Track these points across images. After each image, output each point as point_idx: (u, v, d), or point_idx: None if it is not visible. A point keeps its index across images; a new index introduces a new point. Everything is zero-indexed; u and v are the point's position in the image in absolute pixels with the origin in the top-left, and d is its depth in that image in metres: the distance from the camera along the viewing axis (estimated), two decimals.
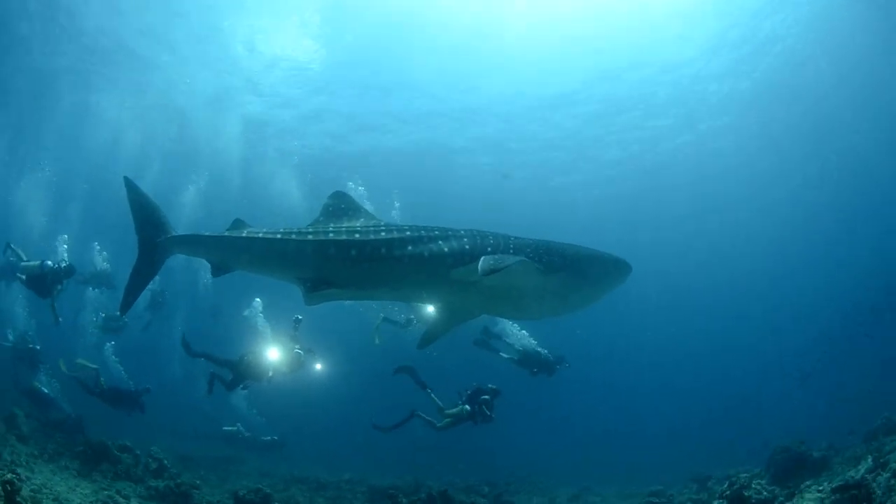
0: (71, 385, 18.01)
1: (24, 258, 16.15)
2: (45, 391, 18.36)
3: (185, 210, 32.62)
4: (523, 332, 17.45)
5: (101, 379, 17.07)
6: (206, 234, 9.77)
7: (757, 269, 52.44)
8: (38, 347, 19.23)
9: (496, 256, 8.62)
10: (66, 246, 24.88)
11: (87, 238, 28.48)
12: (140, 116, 31.56)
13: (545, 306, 9.61)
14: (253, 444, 23.29)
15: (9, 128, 32.04)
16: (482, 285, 8.79)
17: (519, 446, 32.65)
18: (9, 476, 8.80)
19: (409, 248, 8.95)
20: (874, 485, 8.81)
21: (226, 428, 23.82)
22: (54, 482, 11.14)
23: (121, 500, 11.54)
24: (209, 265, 9.98)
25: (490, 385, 14.69)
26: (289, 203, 34.08)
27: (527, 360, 16.28)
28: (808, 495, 9.50)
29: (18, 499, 8.50)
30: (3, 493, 8.42)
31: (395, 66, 29.03)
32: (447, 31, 26.66)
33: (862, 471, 9.97)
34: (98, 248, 25.91)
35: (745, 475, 12.12)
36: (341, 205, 9.75)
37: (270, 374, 13.96)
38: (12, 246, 17.16)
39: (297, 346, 13.65)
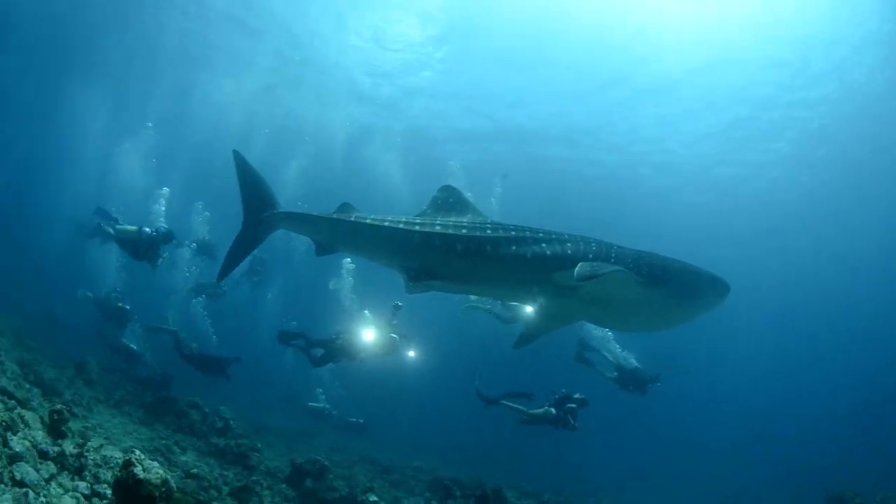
0: (160, 344, 18.42)
1: (119, 221, 16.48)
2: (134, 348, 18.88)
3: (288, 186, 33.19)
4: (617, 347, 17.50)
5: (193, 344, 17.43)
6: (314, 213, 9.96)
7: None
8: (128, 307, 19.72)
9: (595, 264, 8.60)
10: (164, 200, 25.53)
11: (188, 201, 29.50)
12: (247, 92, 32.46)
13: (641, 320, 9.57)
14: (338, 423, 23.40)
15: (109, 98, 33.78)
16: (581, 291, 8.82)
17: (604, 458, 31.86)
18: (59, 406, 8.83)
19: (514, 247, 9.06)
20: None
21: (312, 404, 24.01)
22: (112, 424, 11.28)
23: (176, 449, 11.58)
24: (313, 243, 10.13)
25: (578, 394, 14.57)
26: (391, 183, 34.20)
27: (623, 377, 16.29)
28: None
29: (64, 428, 8.47)
30: (48, 421, 8.45)
31: (509, 47, 28.16)
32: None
33: None
34: (201, 207, 26.70)
35: None
36: (449, 199, 9.92)
37: (363, 355, 14.13)
38: (105, 209, 17.73)
39: (393, 332, 13.73)
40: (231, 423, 14.33)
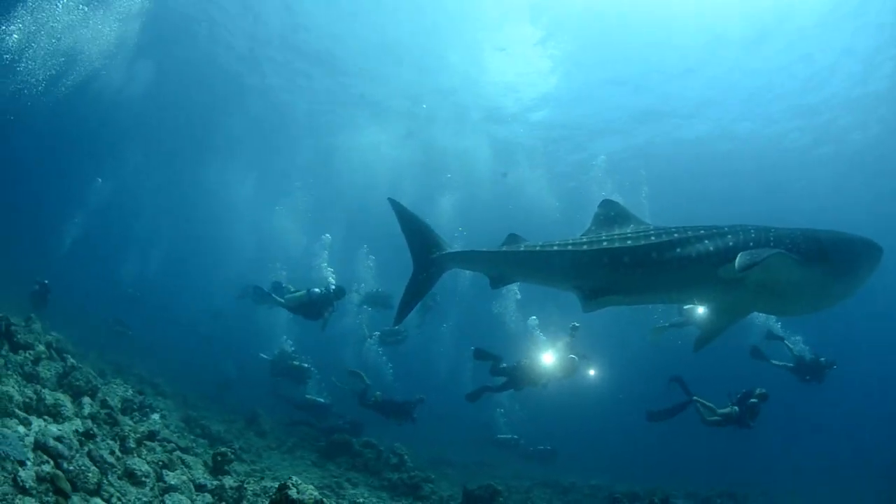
0: (345, 395, 19.14)
1: (291, 289, 17.22)
2: (321, 401, 19.59)
3: (442, 220, 34.01)
4: (797, 338, 17.38)
5: (377, 392, 17.76)
6: (484, 249, 10.30)
7: None
8: (306, 365, 20.48)
9: (753, 251, 8.53)
10: (327, 250, 26.77)
11: (350, 247, 30.92)
12: (386, 145, 33.91)
13: (808, 301, 9.36)
14: (526, 453, 23.22)
15: (253, 169, 36.28)
16: (747, 282, 8.73)
17: (774, 456, 30.07)
18: (223, 449, 9.42)
19: (678, 250, 9.14)
20: None
21: (500, 436, 24.04)
22: (281, 467, 11.80)
23: (347, 485, 11.93)
24: (487, 278, 10.52)
25: (759, 389, 14.43)
26: (540, 198, 34.42)
27: (800, 367, 15.94)
28: None
29: (227, 468, 9.00)
30: (211, 464, 9.03)
31: (625, 63, 28.08)
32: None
33: None
34: (365, 250, 27.72)
35: None
36: (611, 212, 10.14)
37: (545, 380, 14.23)
38: (259, 287, 18.85)
39: (572, 353, 13.82)
40: (405, 458, 14.57)
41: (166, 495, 6.70)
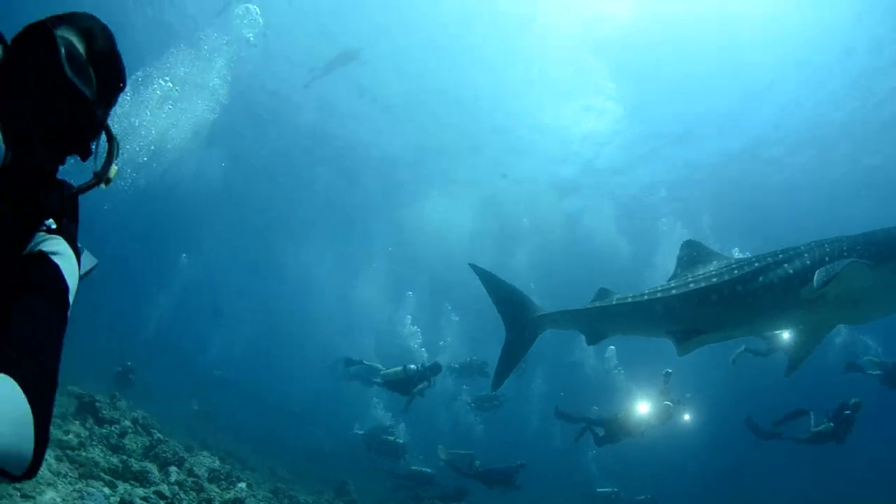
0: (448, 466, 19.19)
1: (381, 367, 17.52)
2: (427, 471, 19.67)
3: (519, 278, 34.22)
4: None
5: (476, 462, 17.86)
6: (578, 308, 10.56)
7: None
8: (401, 441, 20.60)
9: (828, 266, 8.77)
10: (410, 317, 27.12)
11: (433, 310, 31.26)
12: (460, 209, 34.85)
13: (885, 301, 9.51)
14: None
15: (337, 240, 37.32)
16: (828, 297, 8.89)
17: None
18: None
19: (760, 279, 9.37)
20: None
21: (599, 489, 23.62)
22: None
23: None
24: (583, 335, 10.76)
25: (853, 399, 14.47)
26: (613, 246, 34.78)
27: (890, 373, 15.99)
28: None
29: None
30: None
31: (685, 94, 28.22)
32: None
33: None
34: (449, 308, 27.87)
35: None
36: (693, 253, 10.51)
37: (642, 428, 14.46)
38: (365, 361, 19.19)
39: (666, 399, 14.08)
40: None
41: None
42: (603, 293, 10.46)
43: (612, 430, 14.81)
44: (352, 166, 33.59)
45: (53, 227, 1.74)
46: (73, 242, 1.75)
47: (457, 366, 23.46)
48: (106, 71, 1.72)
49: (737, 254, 20.19)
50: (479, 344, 29.42)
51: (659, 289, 9.98)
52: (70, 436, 8.24)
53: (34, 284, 1.52)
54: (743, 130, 30.13)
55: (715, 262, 10.08)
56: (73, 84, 1.58)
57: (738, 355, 15.54)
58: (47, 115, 1.57)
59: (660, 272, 27.48)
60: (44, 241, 1.66)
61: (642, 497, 22.37)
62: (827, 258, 8.99)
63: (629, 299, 10.05)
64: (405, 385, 15.75)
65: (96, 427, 9.75)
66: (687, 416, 14.90)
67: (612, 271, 28.33)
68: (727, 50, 25.59)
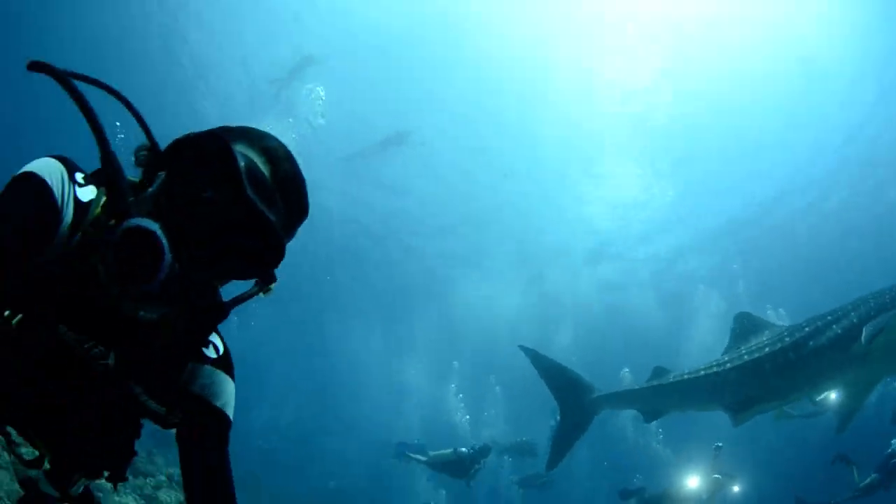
0: None
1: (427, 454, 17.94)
2: None
3: (561, 354, 34.54)
4: None
5: None
6: (635, 388, 11.27)
7: None
8: None
9: (874, 321, 9.05)
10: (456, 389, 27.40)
11: (477, 385, 31.61)
12: (503, 292, 35.92)
13: None
14: None
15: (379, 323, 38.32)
16: (876, 351, 9.17)
17: None
18: None
19: (811, 343, 9.67)
20: None
21: None
22: None
23: None
24: (640, 413, 11.42)
25: None
26: (651, 319, 35.07)
27: None
28: None
29: None
30: None
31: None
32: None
33: None
34: (493, 381, 27.90)
35: None
36: (745, 323, 10.88)
37: (693, 502, 14.52)
38: (404, 442, 19.67)
39: (716, 472, 14.19)
40: None
41: None
42: (659, 371, 10.85)
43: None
44: (399, 256, 34.90)
45: (220, 348, 1.87)
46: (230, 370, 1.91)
47: (506, 445, 23.70)
48: (290, 196, 1.61)
49: (781, 316, 20.38)
50: (524, 419, 30.51)
51: (714, 363, 10.35)
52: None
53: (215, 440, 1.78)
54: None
55: (767, 332, 10.38)
56: (256, 206, 1.48)
57: (781, 413, 15.69)
58: (224, 238, 1.50)
59: (695, 342, 29.04)
60: (216, 382, 1.85)
61: None
62: (873, 312, 9.24)
63: (685, 376, 10.49)
64: (457, 467, 16.27)
65: (130, 478, 10.31)
66: (737, 489, 14.87)
67: (650, 343, 29.08)
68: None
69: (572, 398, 11.00)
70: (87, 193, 1.52)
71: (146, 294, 1.39)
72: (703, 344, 29.62)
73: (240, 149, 1.53)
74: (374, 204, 32.89)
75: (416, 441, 21.61)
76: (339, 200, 31.68)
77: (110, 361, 1.54)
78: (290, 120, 23.24)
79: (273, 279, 1.64)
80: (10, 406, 1.55)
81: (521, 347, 11.48)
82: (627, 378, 23.84)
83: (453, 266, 35.00)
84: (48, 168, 1.50)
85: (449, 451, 16.58)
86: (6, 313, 1.43)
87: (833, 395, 12.47)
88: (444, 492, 24.63)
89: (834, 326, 9.51)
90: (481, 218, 32.64)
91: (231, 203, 1.46)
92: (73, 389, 1.56)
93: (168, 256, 1.35)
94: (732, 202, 31.48)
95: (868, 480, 14.93)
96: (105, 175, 1.50)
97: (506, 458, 25.57)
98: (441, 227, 33.43)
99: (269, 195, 1.52)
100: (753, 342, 10.27)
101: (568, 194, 30.43)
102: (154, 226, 1.37)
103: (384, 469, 30.91)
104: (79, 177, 1.53)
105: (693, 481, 14.23)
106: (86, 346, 1.51)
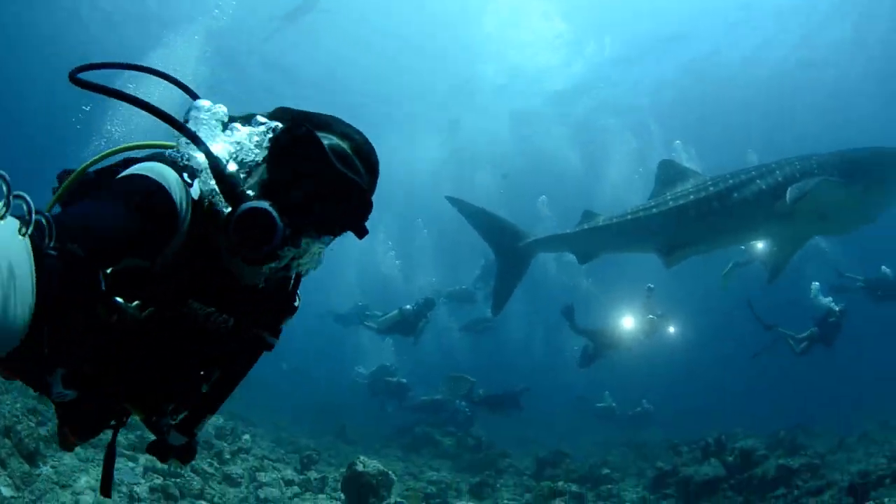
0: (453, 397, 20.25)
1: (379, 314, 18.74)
2: (437, 397, 20.29)
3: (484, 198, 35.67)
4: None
5: (480, 390, 18.88)
6: (568, 232, 11.60)
7: None
8: (404, 380, 21.40)
9: (800, 184, 9.58)
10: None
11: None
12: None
13: (858, 215, 10.48)
14: (625, 418, 23.91)
15: None
16: (801, 212, 9.78)
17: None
18: (308, 452, 11.21)
19: (735, 195, 10.26)
20: None
21: (599, 405, 24.86)
22: None
23: (428, 469, 13.56)
24: (574, 255, 11.87)
25: (838, 306, 15.46)
26: (568, 162, 36.27)
27: (871, 286, 16.77)
28: None
29: (313, 468, 10.78)
30: (299, 466, 10.82)
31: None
32: None
33: None
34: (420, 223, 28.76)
35: None
36: (669, 171, 11.36)
37: (630, 342, 15.43)
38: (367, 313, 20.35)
39: (650, 313, 14.90)
40: (482, 439, 16.09)
41: (259, 490, 8.47)
42: (588, 215, 11.35)
43: (601, 345, 15.81)
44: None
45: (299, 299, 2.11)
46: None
47: (445, 294, 24.50)
48: (366, 162, 1.93)
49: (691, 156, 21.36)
50: (455, 266, 31.65)
51: (641, 208, 10.89)
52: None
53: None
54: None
55: (691, 180, 10.93)
56: (346, 175, 1.80)
57: (730, 271, 16.38)
58: (323, 202, 1.80)
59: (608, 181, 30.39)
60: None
61: (638, 409, 23.88)
62: (798, 174, 9.86)
63: (614, 220, 11.01)
64: (404, 326, 16.90)
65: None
66: (672, 329, 15.76)
67: (566, 184, 30.93)
68: None
69: (506, 244, 11.40)
70: (195, 191, 1.75)
71: (267, 255, 1.67)
72: (616, 182, 31.34)
73: (321, 134, 1.84)
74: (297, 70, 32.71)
75: (358, 304, 22.55)
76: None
77: (230, 322, 1.87)
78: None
79: (366, 231, 1.91)
80: (128, 380, 1.82)
81: (448, 198, 11.83)
82: (544, 207, 25.31)
83: (371, 120, 34.95)
84: (166, 175, 1.69)
85: (395, 312, 17.03)
86: (135, 303, 1.71)
87: (760, 245, 13.34)
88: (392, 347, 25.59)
89: (758, 181, 10.09)
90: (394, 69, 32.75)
91: (324, 176, 1.78)
92: (202, 349, 1.89)
93: (280, 225, 1.64)
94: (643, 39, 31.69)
95: (807, 333, 15.75)
96: (214, 171, 1.75)
97: (451, 313, 26.97)
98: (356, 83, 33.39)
99: (351, 164, 1.86)
100: (679, 189, 10.78)
101: (477, 27, 30.15)
102: (265, 204, 1.65)
103: (333, 339, 32.22)
104: (186, 177, 1.74)
105: (628, 321, 14.99)
106: (211, 314, 1.84)
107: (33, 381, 1.74)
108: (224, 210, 1.75)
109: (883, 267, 16.86)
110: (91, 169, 1.90)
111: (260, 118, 1.95)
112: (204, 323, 1.84)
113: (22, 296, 1.15)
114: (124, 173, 1.70)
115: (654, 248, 10.95)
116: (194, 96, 2.02)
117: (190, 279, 1.79)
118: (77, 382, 1.73)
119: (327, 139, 1.85)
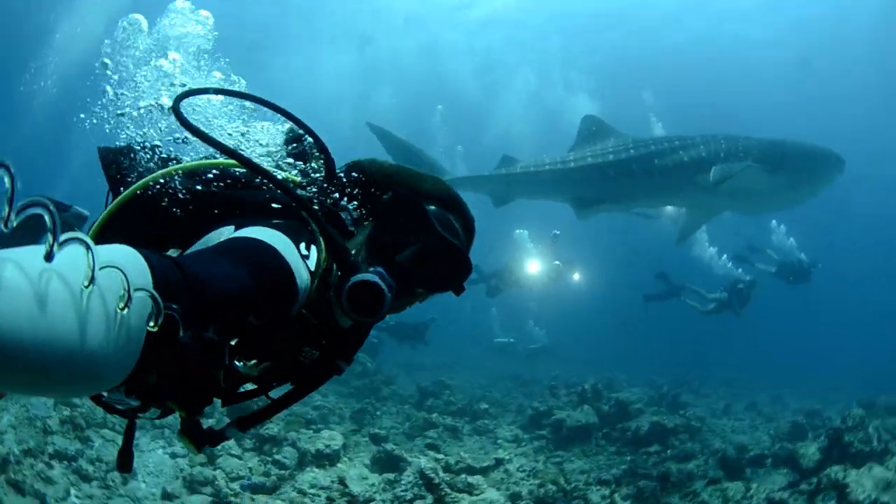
0: None
1: None
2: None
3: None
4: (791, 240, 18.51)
5: (391, 319, 18.90)
6: (485, 175, 11.85)
7: None
8: None
9: (726, 166, 9.97)
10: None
11: None
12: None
13: (776, 202, 11.26)
14: (525, 352, 24.60)
15: None
16: (722, 189, 10.22)
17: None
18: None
19: (656, 161, 10.58)
20: None
21: (497, 339, 25.47)
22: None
23: (316, 395, 13.67)
24: (490, 198, 11.97)
25: (748, 276, 16.28)
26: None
27: (783, 269, 17.10)
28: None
29: None
30: None
31: None
32: None
33: None
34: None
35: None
36: (592, 127, 11.55)
37: (531, 284, 15.60)
38: None
39: (556, 259, 14.95)
40: (368, 365, 16.29)
41: None
42: (507, 160, 11.63)
43: (502, 281, 16.13)
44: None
45: None
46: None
47: None
48: (466, 225, 2.09)
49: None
50: None
51: (559, 160, 11.18)
52: None
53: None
54: None
55: (613, 139, 11.19)
56: (448, 241, 1.93)
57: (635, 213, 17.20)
58: (429, 268, 1.93)
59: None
60: None
61: (536, 346, 24.65)
62: (723, 154, 10.27)
63: (532, 168, 11.35)
64: None
65: None
66: (577, 276, 15.95)
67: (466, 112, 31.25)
68: None
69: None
70: (311, 261, 1.77)
71: (376, 320, 1.79)
72: (513, 115, 31.88)
73: (427, 204, 1.99)
74: None
75: None
76: None
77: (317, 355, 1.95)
78: None
79: (464, 289, 2.05)
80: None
81: (369, 125, 11.89)
82: (440, 119, 25.83)
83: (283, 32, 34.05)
84: (288, 247, 1.71)
85: None
86: (252, 361, 1.84)
87: (669, 207, 13.69)
88: None
89: (681, 153, 10.43)
90: None
91: (428, 241, 1.92)
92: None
93: (388, 296, 1.72)
94: None
95: (717, 294, 16.42)
96: (327, 242, 1.80)
97: None
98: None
99: (452, 229, 2.01)
100: (599, 146, 11.06)
101: None
102: (375, 277, 1.73)
103: None
104: (302, 248, 1.76)
105: (533, 266, 15.08)
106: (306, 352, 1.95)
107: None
108: (338, 274, 1.83)
109: (802, 255, 17.37)
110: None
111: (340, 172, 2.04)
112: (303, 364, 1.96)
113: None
114: (248, 236, 1.69)
115: (569, 201, 11.35)
116: (309, 132, 2.02)
117: (306, 334, 1.90)
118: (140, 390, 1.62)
119: (428, 203, 2.00)
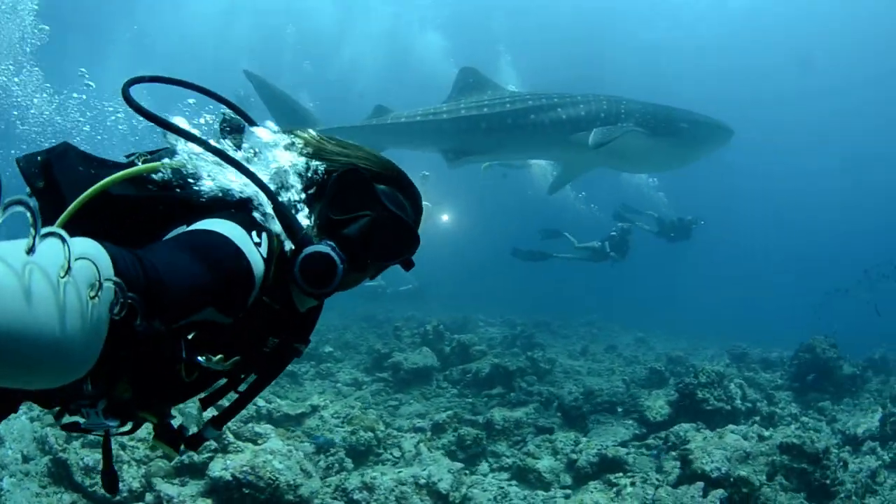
0: None
1: None
2: None
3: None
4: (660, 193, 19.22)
5: None
6: (356, 124, 11.67)
7: None
8: None
9: (606, 129, 10.06)
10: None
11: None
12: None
13: (654, 164, 11.62)
14: (395, 294, 24.68)
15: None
16: (599, 154, 10.44)
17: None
18: None
19: (532, 116, 10.59)
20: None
21: (367, 283, 25.36)
22: None
23: None
24: None
25: (621, 224, 16.19)
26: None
27: (664, 228, 17.20)
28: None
29: None
30: None
31: None
32: None
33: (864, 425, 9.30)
34: None
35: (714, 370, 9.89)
36: (469, 79, 11.45)
37: None
38: None
39: (424, 200, 14.75)
40: None
41: None
42: (380, 110, 11.56)
43: None
44: None
45: None
46: None
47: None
48: (414, 202, 2.22)
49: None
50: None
51: (431, 111, 11.13)
52: None
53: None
54: None
55: (490, 92, 11.19)
56: (398, 216, 2.03)
57: (489, 165, 17.20)
58: (379, 242, 2.02)
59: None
60: None
61: (406, 287, 24.78)
62: (603, 114, 10.34)
63: (403, 119, 11.28)
64: None
65: None
66: (446, 217, 16.43)
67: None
68: None
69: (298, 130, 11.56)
70: (263, 248, 1.77)
71: (330, 292, 1.82)
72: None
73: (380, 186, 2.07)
74: None
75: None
76: None
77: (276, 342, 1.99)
78: None
79: (413, 264, 2.23)
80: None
81: (247, 73, 11.63)
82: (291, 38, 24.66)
83: None
84: (242, 236, 1.72)
85: None
86: (218, 356, 1.78)
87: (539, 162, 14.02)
88: None
89: (559, 110, 10.48)
90: None
91: (378, 217, 2.00)
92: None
93: (341, 266, 1.79)
94: None
95: (591, 243, 16.34)
96: (279, 217, 1.82)
97: None
98: None
99: (401, 205, 2.12)
100: (474, 99, 11.08)
101: None
102: (326, 248, 1.79)
103: None
104: (254, 236, 1.77)
105: None
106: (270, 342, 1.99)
107: (59, 404, 1.79)
108: (287, 249, 1.87)
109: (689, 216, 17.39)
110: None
111: (297, 140, 2.12)
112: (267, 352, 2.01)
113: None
114: (202, 228, 1.70)
115: (440, 151, 11.29)
116: (251, 122, 2.10)
117: (268, 321, 1.90)
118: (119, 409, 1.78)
119: (377, 183, 2.08)
